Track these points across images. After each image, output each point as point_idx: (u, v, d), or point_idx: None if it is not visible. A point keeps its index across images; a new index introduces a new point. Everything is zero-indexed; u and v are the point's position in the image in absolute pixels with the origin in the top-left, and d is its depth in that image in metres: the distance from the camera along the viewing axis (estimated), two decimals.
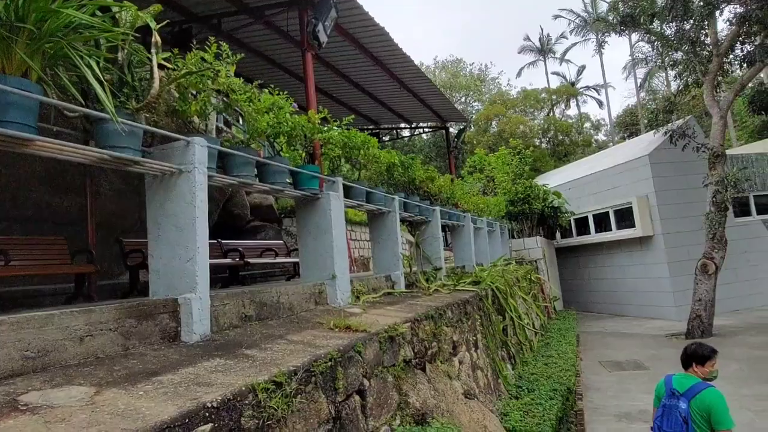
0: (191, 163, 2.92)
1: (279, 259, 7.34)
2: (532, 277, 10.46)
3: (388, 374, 3.32)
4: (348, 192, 5.17)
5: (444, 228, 9.59)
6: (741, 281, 14.65)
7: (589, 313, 17.49)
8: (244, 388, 2.02)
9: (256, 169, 3.79)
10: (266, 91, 3.80)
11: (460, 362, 4.83)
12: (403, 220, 7.24)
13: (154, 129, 2.90)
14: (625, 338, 12.75)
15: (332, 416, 2.53)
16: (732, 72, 15.70)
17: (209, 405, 1.81)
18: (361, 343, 3.02)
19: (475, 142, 32.24)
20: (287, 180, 3.96)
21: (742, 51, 12.58)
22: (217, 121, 7.36)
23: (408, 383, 3.55)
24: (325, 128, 4.41)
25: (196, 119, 3.75)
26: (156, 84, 2.73)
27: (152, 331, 2.69)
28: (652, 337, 12.51)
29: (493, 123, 35.01)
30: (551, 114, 39.35)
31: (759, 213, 15.83)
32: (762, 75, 15.89)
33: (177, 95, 3.22)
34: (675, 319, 13.67)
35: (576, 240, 17.73)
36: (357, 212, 9.46)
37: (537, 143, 34.17)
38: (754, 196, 15.75)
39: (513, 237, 13.54)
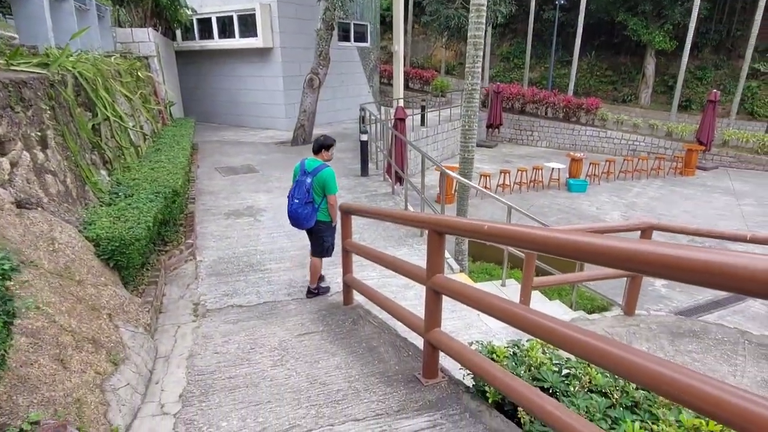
0: None
1: None
2: (141, 75, 8.88)
3: None
4: None
5: None
6: (336, 98, 17.32)
7: (210, 123, 17.32)
8: None
9: None
10: None
11: (13, 164, 3.50)
12: None
13: None
14: (241, 146, 13.33)
15: None
16: None
17: None
18: None
19: None
20: None
21: None
22: None
23: None
24: None
25: None
26: None
27: None
28: (264, 145, 13.56)
29: None
30: None
31: (356, 41, 18.43)
32: None
33: None
34: (285, 129, 15.16)
35: (198, 44, 16.28)
36: None
37: None
38: (354, 24, 18.01)
39: (120, 26, 10.94)
